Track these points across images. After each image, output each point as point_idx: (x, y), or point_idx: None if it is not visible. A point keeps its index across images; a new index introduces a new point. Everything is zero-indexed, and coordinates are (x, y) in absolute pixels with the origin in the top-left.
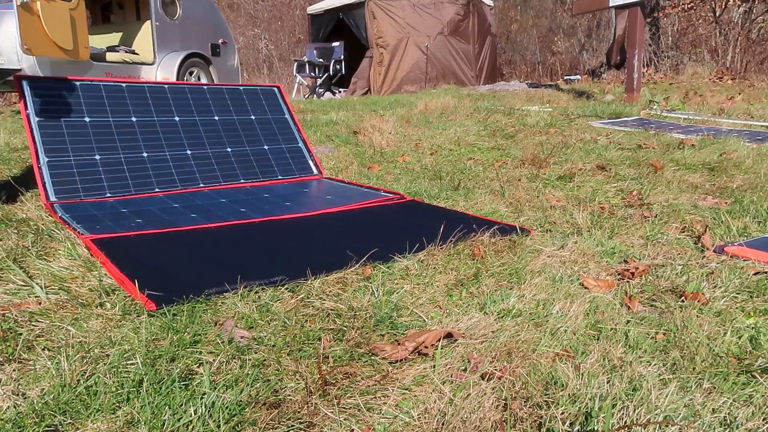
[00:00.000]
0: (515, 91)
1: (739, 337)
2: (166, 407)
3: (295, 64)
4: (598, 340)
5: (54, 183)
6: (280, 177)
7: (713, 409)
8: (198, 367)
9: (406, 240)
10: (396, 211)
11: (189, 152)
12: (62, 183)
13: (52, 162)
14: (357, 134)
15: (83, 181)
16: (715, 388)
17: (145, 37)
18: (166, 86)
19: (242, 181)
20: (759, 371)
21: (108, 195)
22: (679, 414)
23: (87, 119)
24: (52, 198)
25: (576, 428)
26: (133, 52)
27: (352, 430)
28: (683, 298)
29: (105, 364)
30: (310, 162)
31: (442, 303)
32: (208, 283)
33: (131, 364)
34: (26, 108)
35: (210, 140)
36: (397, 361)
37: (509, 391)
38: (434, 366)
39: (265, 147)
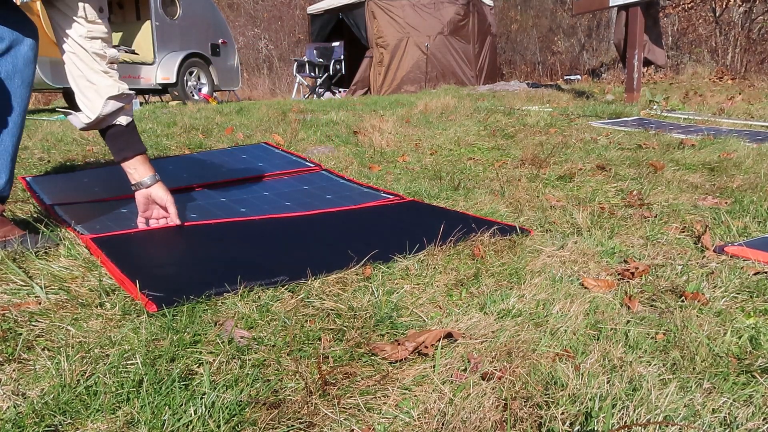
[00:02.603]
0: (515, 91)
1: (739, 337)
2: (166, 407)
3: (295, 64)
4: (598, 340)
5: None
6: (277, 171)
7: (713, 409)
8: (198, 367)
9: (406, 240)
10: (396, 211)
11: (185, 175)
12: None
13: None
14: (357, 134)
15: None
16: (715, 388)
17: (145, 37)
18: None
19: (240, 176)
20: (759, 371)
21: (106, 196)
22: (679, 414)
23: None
24: (48, 202)
25: (576, 428)
26: (133, 52)
27: (352, 430)
28: (683, 298)
29: (105, 364)
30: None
31: (442, 303)
32: (208, 283)
33: (131, 364)
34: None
35: (208, 171)
36: (397, 361)
37: (509, 391)
38: (434, 366)
39: (260, 164)
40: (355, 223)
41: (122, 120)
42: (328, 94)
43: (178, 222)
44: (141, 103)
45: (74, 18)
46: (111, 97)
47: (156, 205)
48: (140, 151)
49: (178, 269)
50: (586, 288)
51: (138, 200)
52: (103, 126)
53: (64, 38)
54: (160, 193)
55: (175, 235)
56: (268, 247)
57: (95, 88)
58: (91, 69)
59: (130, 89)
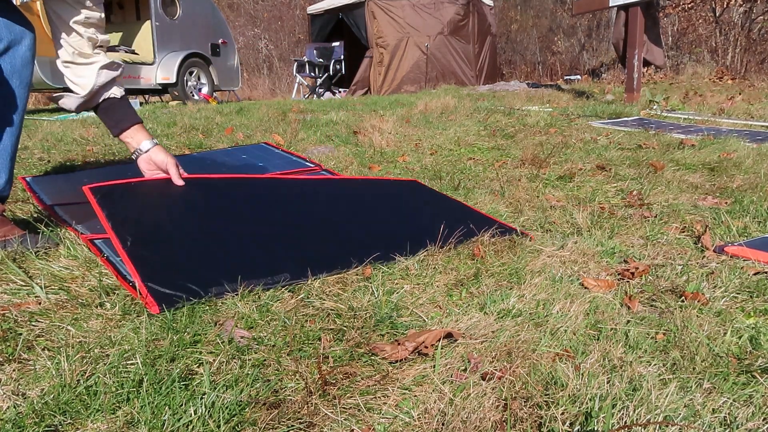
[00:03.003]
0: (515, 91)
1: (739, 337)
2: (166, 407)
3: (295, 64)
4: (598, 340)
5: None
6: (277, 171)
7: (713, 409)
8: (198, 367)
9: (408, 232)
10: (399, 194)
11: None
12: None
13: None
14: (357, 134)
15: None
16: (715, 388)
17: (145, 37)
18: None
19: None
20: (759, 371)
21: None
22: (679, 414)
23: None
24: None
25: (576, 428)
26: (133, 52)
27: (352, 430)
28: (683, 298)
29: (105, 364)
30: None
31: (442, 303)
32: (210, 278)
33: (131, 364)
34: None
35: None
36: (397, 361)
37: (509, 391)
38: (434, 366)
39: (260, 164)
40: (359, 207)
41: (116, 92)
42: (328, 94)
43: (180, 183)
44: (141, 103)
45: (72, 4)
46: (103, 66)
47: (160, 171)
48: (137, 121)
49: (177, 249)
50: (586, 288)
51: (141, 167)
52: (98, 100)
53: (59, 24)
54: (160, 156)
55: (176, 197)
56: (271, 227)
57: (87, 66)
58: (82, 53)
59: (130, 89)
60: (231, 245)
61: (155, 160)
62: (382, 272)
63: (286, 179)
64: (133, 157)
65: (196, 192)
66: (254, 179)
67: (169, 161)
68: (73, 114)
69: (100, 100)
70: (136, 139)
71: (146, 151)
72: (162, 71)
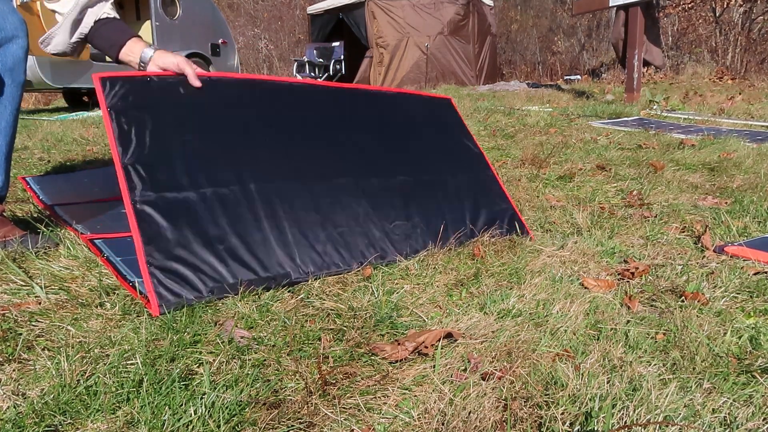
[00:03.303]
0: (515, 91)
1: (739, 337)
2: (166, 407)
3: (295, 64)
4: (598, 340)
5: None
6: None
7: (713, 409)
8: (198, 367)
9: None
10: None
11: None
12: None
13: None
14: None
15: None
16: (715, 388)
17: (145, 37)
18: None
19: None
20: (759, 371)
21: (107, 196)
22: (679, 414)
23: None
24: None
25: (576, 428)
26: None
27: (352, 430)
28: (683, 298)
29: (105, 364)
30: None
31: (442, 303)
32: (214, 272)
33: (131, 364)
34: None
35: None
36: (397, 361)
37: (509, 391)
38: (434, 366)
39: None
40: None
41: (108, 11)
42: None
43: (197, 84)
44: None
45: None
46: None
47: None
48: (133, 35)
49: (186, 218)
50: (586, 288)
51: None
52: (88, 23)
53: None
54: (168, 58)
55: (197, 112)
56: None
57: None
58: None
59: None
60: (248, 226)
61: (164, 64)
62: (382, 272)
63: (317, 84)
64: (140, 70)
65: (217, 103)
66: (283, 83)
67: (179, 60)
68: (73, 114)
69: (92, 24)
70: (135, 52)
71: (149, 59)
72: None
